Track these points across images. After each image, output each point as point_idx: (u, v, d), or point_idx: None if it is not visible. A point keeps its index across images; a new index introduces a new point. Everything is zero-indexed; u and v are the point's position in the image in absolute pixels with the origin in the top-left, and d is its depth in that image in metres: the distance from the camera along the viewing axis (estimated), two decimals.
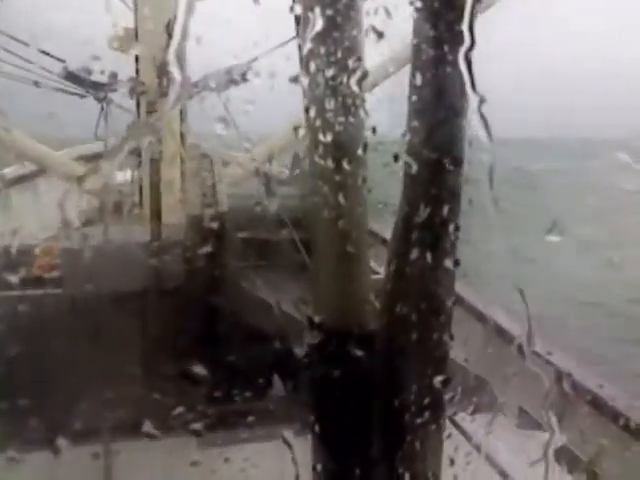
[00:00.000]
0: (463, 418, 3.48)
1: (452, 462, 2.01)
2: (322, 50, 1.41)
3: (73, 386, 4.21)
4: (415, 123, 1.34)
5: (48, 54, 6.98)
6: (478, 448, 3.29)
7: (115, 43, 6.06)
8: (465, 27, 1.26)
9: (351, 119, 1.51)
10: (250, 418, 3.98)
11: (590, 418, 4.37)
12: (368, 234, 1.74)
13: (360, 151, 1.55)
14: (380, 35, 1.48)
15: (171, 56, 1.25)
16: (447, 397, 1.53)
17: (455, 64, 1.27)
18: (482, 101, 1.27)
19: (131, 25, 6.19)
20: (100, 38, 6.42)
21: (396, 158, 1.43)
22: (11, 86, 7.15)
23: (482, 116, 1.29)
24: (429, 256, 1.36)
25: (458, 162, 1.34)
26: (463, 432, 3.38)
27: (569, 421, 4.42)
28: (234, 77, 6.05)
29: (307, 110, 1.51)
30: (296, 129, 1.60)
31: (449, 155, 1.33)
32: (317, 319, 1.76)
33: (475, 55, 1.32)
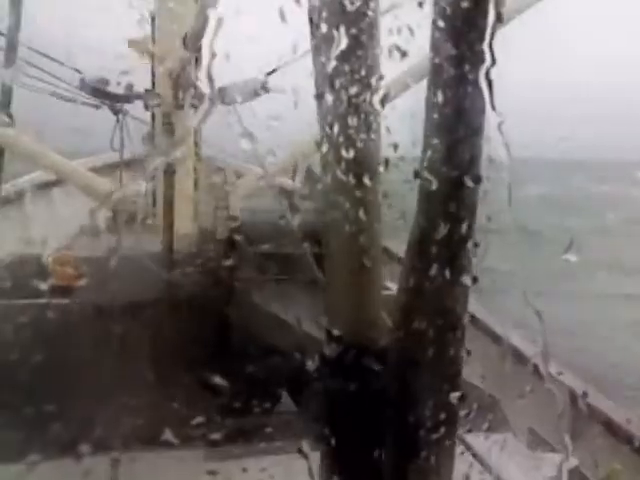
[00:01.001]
0: (474, 437, 3.46)
1: None
2: (346, 68, 1.42)
3: (88, 395, 4.21)
4: (433, 140, 1.34)
5: (63, 64, 7.06)
6: (488, 468, 3.26)
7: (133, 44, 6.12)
8: (486, 46, 1.26)
9: (371, 135, 1.52)
10: (267, 430, 3.97)
11: (603, 440, 4.32)
12: (383, 251, 1.74)
13: (380, 167, 1.56)
14: (404, 54, 1.49)
15: (202, 72, 1.26)
16: (461, 414, 1.52)
17: (475, 83, 1.27)
18: (502, 120, 1.27)
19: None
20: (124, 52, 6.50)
21: (416, 175, 1.43)
22: (31, 97, 7.24)
23: (502, 134, 1.29)
24: (445, 272, 1.35)
25: (476, 180, 1.34)
26: (473, 452, 3.35)
27: (581, 442, 4.38)
28: (250, 90, 6.09)
29: (328, 126, 1.52)
30: (318, 143, 1.60)
31: (467, 172, 1.33)
32: (330, 333, 1.76)
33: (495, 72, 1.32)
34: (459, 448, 3.21)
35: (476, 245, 1.36)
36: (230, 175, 6.18)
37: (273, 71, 6.01)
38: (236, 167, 6.94)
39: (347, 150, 1.50)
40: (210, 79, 1.29)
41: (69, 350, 4.52)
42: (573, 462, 3.71)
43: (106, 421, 3.94)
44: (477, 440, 3.45)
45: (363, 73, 1.44)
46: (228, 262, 5.13)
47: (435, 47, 1.32)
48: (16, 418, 3.83)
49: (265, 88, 6.07)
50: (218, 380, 3.88)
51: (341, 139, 1.50)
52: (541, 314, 1.49)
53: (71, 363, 4.39)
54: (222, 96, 6.06)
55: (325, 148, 1.60)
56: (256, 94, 6.17)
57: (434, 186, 1.34)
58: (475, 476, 3.16)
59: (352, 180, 1.54)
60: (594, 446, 4.16)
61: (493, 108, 1.28)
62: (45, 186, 9.37)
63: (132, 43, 6.18)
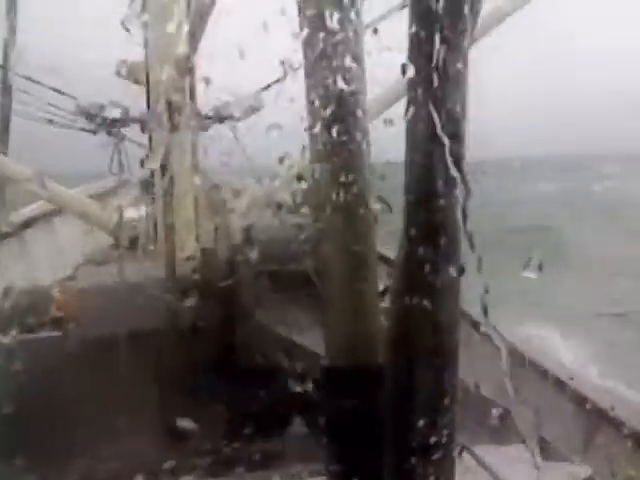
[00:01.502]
0: (483, 450, 3.40)
1: None
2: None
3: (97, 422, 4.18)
4: (409, 159, 1.34)
5: (59, 91, 7.09)
6: None
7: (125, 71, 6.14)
8: (433, 69, 1.26)
9: (358, 151, 1.54)
10: (267, 456, 3.93)
11: (617, 445, 4.25)
12: (380, 259, 1.72)
13: (367, 182, 1.56)
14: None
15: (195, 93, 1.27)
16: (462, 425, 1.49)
17: (426, 105, 1.27)
18: (453, 140, 1.26)
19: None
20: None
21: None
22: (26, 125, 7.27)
23: (454, 156, 1.28)
24: (431, 293, 1.33)
25: (452, 197, 1.32)
26: (483, 465, 3.29)
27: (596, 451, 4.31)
28: (245, 109, 6.11)
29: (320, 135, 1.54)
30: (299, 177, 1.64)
31: (427, 193, 1.32)
32: (329, 351, 1.73)
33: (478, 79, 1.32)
34: (471, 461, 3.15)
35: (462, 271, 1.34)
36: (228, 193, 6.16)
37: (267, 87, 6.03)
38: (233, 185, 6.93)
39: (332, 164, 1.52)
40: (193, 98, 1.30)
41: (83, 378, 4.50)
42: (587, 471, 3.65)
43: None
44: (488, 452, 3.40)
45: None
46: (231, 282, 5.10)
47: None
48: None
49: (260, 104, 6.09)
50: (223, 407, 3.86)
51: (330, 147, 1.51)
52: None
53: (84, 391, 4.37)
54: (219, 114, 6.08)
55: (314, 159, 1.61)
56: (253, 110, 6.18)
57: (411, 206, 1.33)
58: None
59: (340, 193, 1.54)
60: (610, 454, 4.09)
61: (442, 129, 1.27)
62: (46, 216, 9.38)
63: (128, 72, 6.20)
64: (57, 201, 7.43)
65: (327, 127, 1.55)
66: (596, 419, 4.48)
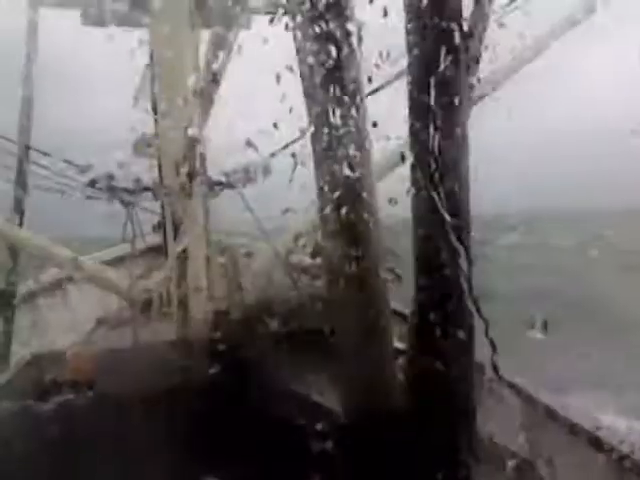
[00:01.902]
0: None
1: None
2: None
3: None
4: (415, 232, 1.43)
5: (71, 163, 7.28)
6: None
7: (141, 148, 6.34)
8: (430, 155, 1.36)
9: (366, 228, 1.63)
10: None
11: None
12: (394, 313, 1.79)
13: (376, 255, 1.65)
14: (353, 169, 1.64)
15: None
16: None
17: (426, 187, 1.37)
18: (454, 216, 1.36)
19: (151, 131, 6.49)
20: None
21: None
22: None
23: (455, 230, 1.38)
24: (443, 354, 1.40)
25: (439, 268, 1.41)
26: None
27: None
28: (253, 173, 6.25)
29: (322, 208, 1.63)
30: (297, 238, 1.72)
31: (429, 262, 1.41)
32: (346, 410, 1.78)
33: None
34: None
35: (471, 331, 1.42)
36: (240, 255, 6.26)
37: (274, 155, 6.18)
38: (246, 246, 7.04)
39: (340, 223, 1.61)
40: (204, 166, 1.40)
41: (99, 440, 4.51)
42: None
43: None
44: None
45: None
46: (244, 344, 5.15)
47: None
48: None
49: (268, 170, 6.23)
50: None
51: (339, 226, 1.60)
52: None
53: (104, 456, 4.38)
54: (228, 180, 6.22)
55: (326, 236, 1.70)
56: (260, 175, 6.33)
57: (421, 251, 1.42)
58: None
59: (352, 250, 1.62)
60: None
61: (442, 208, 1.38)
62: (59, 283, 9.48)
63: (137, 146, 6.41)
64: (70, 268, 7.54)
65: (336, 209, 1.65)
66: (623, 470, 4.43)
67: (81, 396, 5.27)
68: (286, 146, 3.34)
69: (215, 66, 3.98)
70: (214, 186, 5.93)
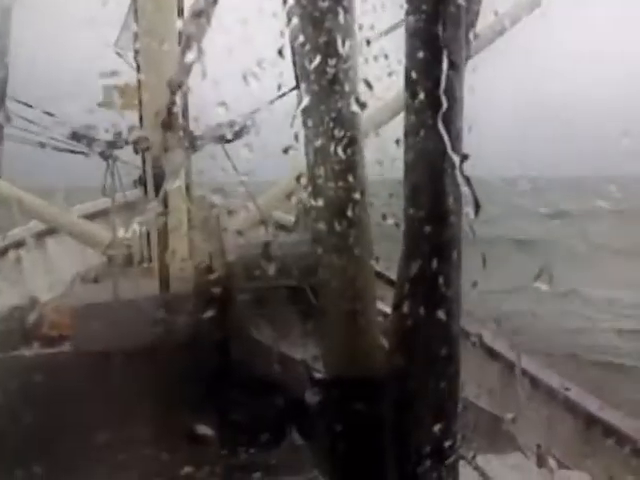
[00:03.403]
0: (484, 460, 3.43)
1: None
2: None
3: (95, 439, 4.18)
4: (406, 182, 1.38)
5: (52, 115, 7.13)
6: None
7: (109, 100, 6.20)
8: (441, 92, 1.30)
9: (357, 165, 1.57)
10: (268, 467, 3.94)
11: (614, 453, 4.29)
12: (376, 275, 1.76)
13: (363, 196, 1.59)
14: (363, 106, 1.57)
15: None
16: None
17: (435, 126, 1.31)
18: (464, 159, 1.31)
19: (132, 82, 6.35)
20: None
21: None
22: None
23: (463, 173, 1.33)
24: (445, 304, 1.37)
25: (446, 216, 1.36)
26: (483, 474, 3.32)
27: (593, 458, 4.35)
28: (236, 129, 6.15)
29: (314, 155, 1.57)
30: (299, 178, 1.65)
31: (436, 210, 1.36)
32: (328, 367, 1.76)
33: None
34: (472, 472, 3.18)
35: (475, 284, 1.39)
36: (222, 212, 6.20)
37: (257, 110, 6.08)
38: (228, 204, 6.97)
39: (326, 183, 1.54)
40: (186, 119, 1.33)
41: (79, 393, 4.50)
42: (585, 478, 3.69)
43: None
44: (488, 462, 3.43)
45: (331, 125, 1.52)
46: (224, 299, 5.13)
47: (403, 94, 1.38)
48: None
49: (253, 125, 6.14)
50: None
51: (327, 169, 1.54)
52: None
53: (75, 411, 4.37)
54: (212, 135, 6.12)
55: (311, 178, 1.64)
56: (244, 132, 6.23)
57: (409, 223, 1.37)
58: None
59: (335, 212, 1.57)
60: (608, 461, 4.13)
61: (452, 149, 1.32)
62: (39, 236, 9.39)
63: (121, 93, 6.27)
64: (49, 221, 7.46)
65: (343, 147, 1.58)
66: (595, 428, 4.53)
67: (60, 350, 5.26)
68: (283, 95, 3.23)
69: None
70: (196, 140, 5.83)
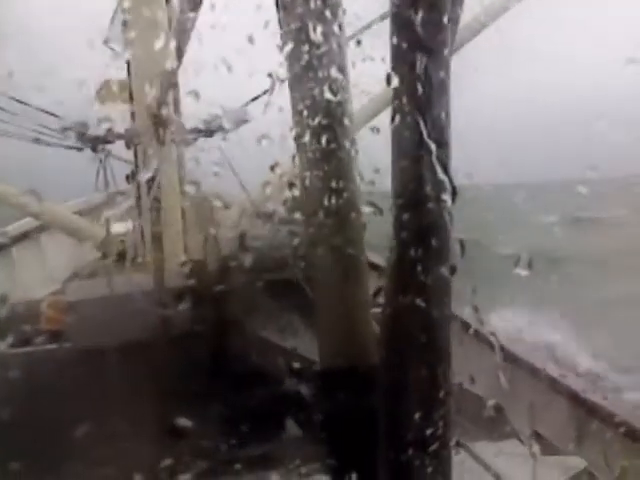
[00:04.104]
0: (479, 446, 3.45)
1: None
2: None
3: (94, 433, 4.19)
4: (397, 166, 1.38)
5: (44, 111, 7.10)
6: (496, 475, 3.25)
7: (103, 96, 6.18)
8: (417, 78, 1.30)
9: (347, 158, 1.57)
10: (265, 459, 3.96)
11: (608, 438, 4.32)
12: (370, 266, 1.76)
13: (357, 188, 1.60)
14: (335, 93, 1.57)
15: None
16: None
17: (411, 112, 1.31)
18: (440, 146, 1.31)
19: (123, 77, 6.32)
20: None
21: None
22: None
23: (440, 161, 1.33)
24: (424, 292, 1.37)
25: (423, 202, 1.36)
26: (479, 460, 3.34)
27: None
28: (233, 122, 6.14)
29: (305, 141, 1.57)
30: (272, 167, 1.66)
31: (414, 197, 1.36)
32: (323, 355, 1.77)
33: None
34: (466, 457, 3.20)
35: (454, 270, 1.39)
36: (217, 205, 6.19)
37: (255, 99, 6.06)
38: (222, 197, 6.96)
39: (318, 169, 1.54)
40: (178, 112, 1.33)
41: (75, 388, 4.50)
42: (581, 463, 3.72)
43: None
44: (483, 448, 3.45)
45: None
46: (220, 292, 5.13)
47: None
48: None
49: (247, 117, 6.12)
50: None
51: (317, 154, 1.54)
52: None
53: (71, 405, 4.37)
54: (207, 127, 6.11)
55: (304, 167, 1.64)
56: (240, 123, 6.22)
57: (398, 211, 1.37)
58: None
59: (327, 199, 1.57)
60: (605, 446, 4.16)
61: (429, 136, 1.32)
62: (33, 232, 9.37)
63: (110, 88, 6.25)
64: (44, 217, 7.44)
65: (316, 136, 1.57)
66: (589, 413, 4.55)
67: (56, 345, 5.26)
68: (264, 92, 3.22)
69: None
70: (189, 134, 5.81)
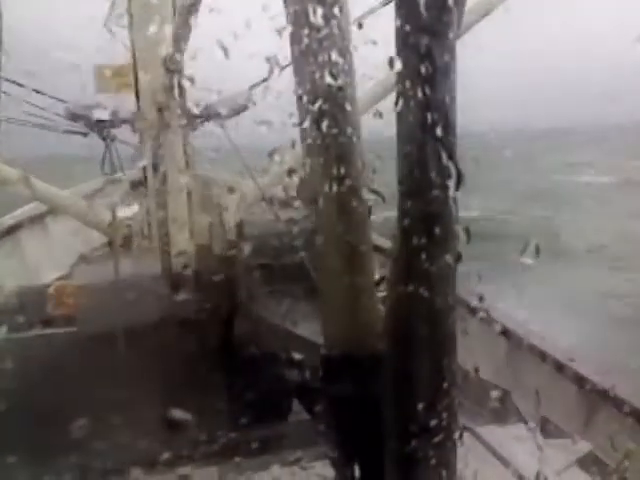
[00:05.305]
0: (486, 430, 3.46)
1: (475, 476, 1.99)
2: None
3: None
4: (401, 151, 1.36)
5: (49, 95, 7.09)
6: (502, 459, 3.26)
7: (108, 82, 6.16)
8: (421, 61, 1.27)
9: (349, 144, 1.55)
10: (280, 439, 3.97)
11: (616, 422, 4.33)
12: (375, 249, 1.75)
13: (359, 174, 1.58)
14: (336, 78, 1.54)
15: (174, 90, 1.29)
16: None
17: (415, 97, 1.28)
18: (445, 131, 1.28)
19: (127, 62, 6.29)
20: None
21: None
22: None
23: (445, 146, 1.30)
24: (428, 280, 1.36)
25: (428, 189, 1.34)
26: (486, 445, 3.35)
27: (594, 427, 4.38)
28: (235, 106, 6.12)
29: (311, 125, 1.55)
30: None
31: (417, 184, 1.34)
32: (328, 341, 1.76)
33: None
34: (473, 441, 3.20)
35: (459, 258, 1.37)
36: (221, 190, 6.18)
37: (257, 84, 6.04)
38: (228, 182, 6.96)
39: (327, 153, 1.53)
40: (182, 97, 1.32)
41: (81, 372, 4.53)
42: (587, 447, 3.72)
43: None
44: (490, 432, 3.46)
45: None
46: (224, 276, 5.14)
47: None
48: None
49: (248, 102, 6.10)
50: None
51: (320, 141, 1.52)
52: None
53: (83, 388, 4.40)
54: (208, 113, 6.09)
55: (305, 153, 1.62)
56: (241, 108, 6.20)
57: (403, 196, 1.35)
58: (489, 469, 3.17)
59: (334, 182, 1.55)
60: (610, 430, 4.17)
61: (433, 120, 1.29)
62: (39, 216, 9.38)
63: (114, 74, 6.22)
64: (49, 202, 7.45)
65: (316, 122, 1.55)
66: (596, 399, 4.55)
67: (64, 330, 5.29)
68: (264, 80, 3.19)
69: None
70: (194, 118, 5.79)
